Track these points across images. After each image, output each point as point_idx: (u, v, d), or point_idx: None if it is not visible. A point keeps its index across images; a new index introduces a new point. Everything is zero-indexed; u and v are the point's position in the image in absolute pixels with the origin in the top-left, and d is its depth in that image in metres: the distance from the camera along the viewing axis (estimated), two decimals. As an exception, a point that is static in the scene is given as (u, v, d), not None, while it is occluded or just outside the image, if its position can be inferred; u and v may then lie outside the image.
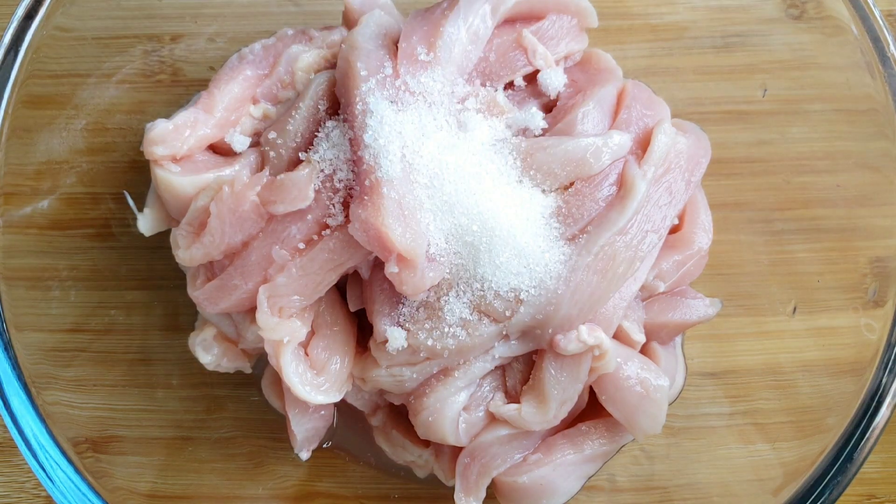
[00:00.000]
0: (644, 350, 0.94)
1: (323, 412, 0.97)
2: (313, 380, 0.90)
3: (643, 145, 0.90)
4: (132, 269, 1.00)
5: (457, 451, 0.92)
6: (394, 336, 0.86)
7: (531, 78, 0.95)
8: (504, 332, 0.87)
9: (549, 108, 0.94)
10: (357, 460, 1.03)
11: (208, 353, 0.96)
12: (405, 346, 0.86)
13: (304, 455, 0.99)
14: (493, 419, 0.90)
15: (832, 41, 0.95)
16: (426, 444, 0.97)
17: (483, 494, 0.91)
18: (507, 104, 0.91)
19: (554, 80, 0.93)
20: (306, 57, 0.95)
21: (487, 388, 0.91)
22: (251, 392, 1.03)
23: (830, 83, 0.99)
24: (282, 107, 0.95)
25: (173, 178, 0.89)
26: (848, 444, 0.83)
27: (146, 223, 0.95)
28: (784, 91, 1.03)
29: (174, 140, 0.89)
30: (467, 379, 0.89)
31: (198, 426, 1.01)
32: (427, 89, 0.85)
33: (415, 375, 0.89)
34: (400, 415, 0.98)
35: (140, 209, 0.95)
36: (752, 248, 1.04)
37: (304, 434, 0.97)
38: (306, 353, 0.91)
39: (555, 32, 0.96)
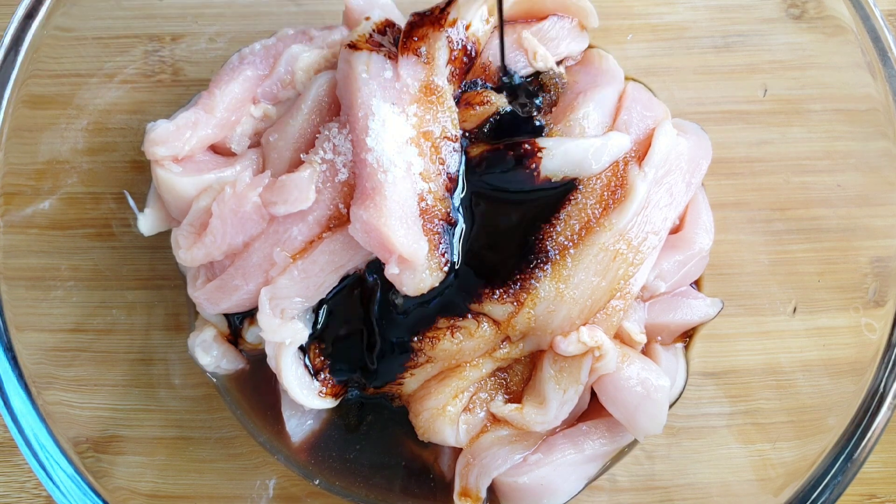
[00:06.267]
0: (645, 350, 0.94)
1: (319, 413, 0.97)
2: (311, 384, 0.90)
3: (643, 147, 0.91)
4: (133, 268, 1.00)
5: (457, 451, 0.93)
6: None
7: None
8: (504, 334, 0.87)
9: (549, 108, 0.94)
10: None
11: (208, 354, 0.96)
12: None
13: (302, 454, 0.99)
14: (493, 420, 0.91)
15: (832, 41, 0.95)
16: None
17: (483, 495, 0.91)
18: (506, 105, 0.91)
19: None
20: (307, 57, 0.95)
21: (488, 389, 0.91)
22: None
23: (830, 83, 0.99)
24: (282, 107, 0.95)
25: (175, 179, 0.89)
26: (848, 444, 0.83)
27: (146, 223, 0.95)
28: (784, 91, 1.02)
29: (175, 140, 0.89)
30: (468, 380, 0.89)
31: (199, 426, 1.01)
32: (428, 91, 0.85)
33: (415, 378, 0.89)
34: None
35: (141, 209, 0.95)
36: (752, 248, 1.04)
37: (301, 435, 0.97)
38: (306, 357, 0.91)
39: (556, 33, 0.96)
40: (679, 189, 0.91)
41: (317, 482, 0.99)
